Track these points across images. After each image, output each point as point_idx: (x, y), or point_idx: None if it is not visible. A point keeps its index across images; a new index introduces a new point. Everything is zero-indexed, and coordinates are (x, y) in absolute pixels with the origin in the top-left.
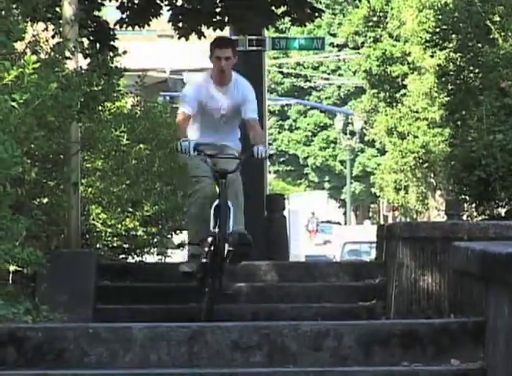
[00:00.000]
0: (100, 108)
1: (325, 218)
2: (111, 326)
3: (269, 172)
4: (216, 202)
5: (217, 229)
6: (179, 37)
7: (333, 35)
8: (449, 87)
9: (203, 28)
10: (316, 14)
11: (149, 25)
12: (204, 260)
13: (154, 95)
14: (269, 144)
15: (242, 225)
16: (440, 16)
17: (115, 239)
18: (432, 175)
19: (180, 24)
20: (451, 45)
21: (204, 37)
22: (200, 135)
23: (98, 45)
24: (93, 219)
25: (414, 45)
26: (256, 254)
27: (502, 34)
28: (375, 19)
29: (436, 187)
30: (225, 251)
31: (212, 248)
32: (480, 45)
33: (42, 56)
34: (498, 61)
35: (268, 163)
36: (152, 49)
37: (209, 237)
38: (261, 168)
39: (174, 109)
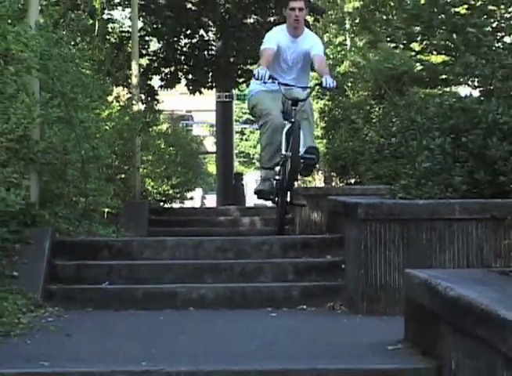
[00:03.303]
0: (150, 130)
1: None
2: (156, 239)
3: (235, 161)
4: (286, 127)
5: (289, 153)
6: (190, 94)
7: None
8: (325, 119)
9: (202, 89)
10: None
11: (175, 87)
12: (277, 177)
13: (177, 123)
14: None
15: (312, 142)
16: None
17: (158, 195)
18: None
19: (191, 87)
20: (326, 97)
21: (202, 93)
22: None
23: (149, 98)
24: (147, 186)
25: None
26: (230, 204)
27: (352, 91)
28: None
29: (319, 169)
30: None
31: (285, 168)
32: (341, 98)
33: (121, 103)
34: (349, 105)
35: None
36: (176, 100)
37: (281, 159)
38: (231, 158)
39: (188, 130)
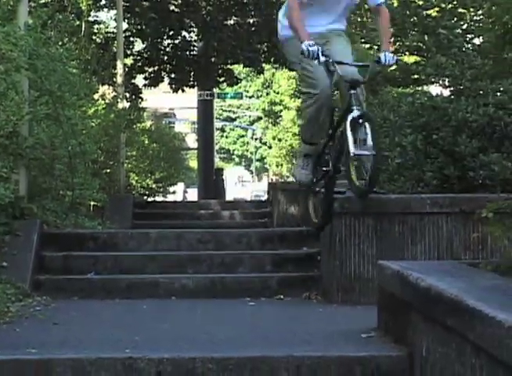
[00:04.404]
0: (134, 127)
1: (243, 179)
2: (140, 231)
3: (215, 156)
4: (350, 116)
5: (357, 150)
6: (173, 92)
7: (247, 91)
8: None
9: (184, 87)
10: (238, 81)
11: (158, 86)
12: (325, 169)
13: (160, 120)
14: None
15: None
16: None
17: (142, 189)
18: (294, 160)
19: (173, 86)
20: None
21: (184, 91)
22: (309, 22)
23: (133, 96)
24: (131, 180)
25: (286, 96)
26: (211, 198)
27: None
28: (267, 83)
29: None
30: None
31: (339, 159)
32: None
33: (107, 101)
34: None
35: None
36: (159, 98)
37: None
38: (211, 153)
39: (170, 127)
